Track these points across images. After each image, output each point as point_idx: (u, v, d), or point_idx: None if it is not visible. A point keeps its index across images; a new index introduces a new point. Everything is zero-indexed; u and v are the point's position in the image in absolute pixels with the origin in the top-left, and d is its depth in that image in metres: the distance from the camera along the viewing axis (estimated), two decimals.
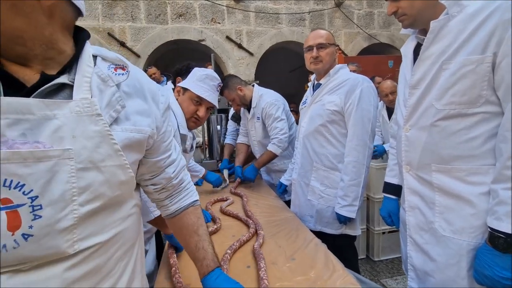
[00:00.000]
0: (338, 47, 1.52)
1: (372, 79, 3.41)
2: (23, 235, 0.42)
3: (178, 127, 1.22)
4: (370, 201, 2.41)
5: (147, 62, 4.17)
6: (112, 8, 3.98)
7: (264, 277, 0.89)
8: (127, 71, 0.54)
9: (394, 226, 1.22)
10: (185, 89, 1.31)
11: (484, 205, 0.81)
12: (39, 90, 0.45)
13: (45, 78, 0.46)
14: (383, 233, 2.39)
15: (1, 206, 0.40)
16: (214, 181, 1.91)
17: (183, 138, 1.26)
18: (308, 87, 1.70)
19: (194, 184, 1.98)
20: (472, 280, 0.83)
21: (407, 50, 1.05)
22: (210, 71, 1.35)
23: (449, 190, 0.88)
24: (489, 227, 0.78)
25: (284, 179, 1.83)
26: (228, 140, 2.57)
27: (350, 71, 3.57)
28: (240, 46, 4.48)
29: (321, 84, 1.51)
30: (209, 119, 2.59)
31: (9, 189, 0.40)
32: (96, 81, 0.50)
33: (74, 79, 0.48)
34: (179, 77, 2.03)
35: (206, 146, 2.67)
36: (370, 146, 1.41)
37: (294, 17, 4.70)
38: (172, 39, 4.21)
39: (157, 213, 1.06)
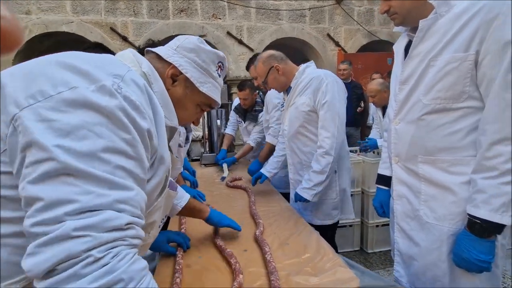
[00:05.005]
0: (276, 65, 1.58)
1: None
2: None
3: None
4: (365, 195, 2.48)
5: None
6: (114, 3, 4.01)
7: (271, 260, 0.95)
8: None
9: (385, 217, 1.28)
10: (187, 81, 0.72)
11: (465, 194, 0.87)
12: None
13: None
14: (377, 226, 2.46)
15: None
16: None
17: (172, 131, 1.02)
18: None
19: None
20: (452, 263, 0.89)
21: (398, 47, 1.10)
22: (221, 53, 0.84)
23: (434, 180, 0.93)
24: (468, 213, 0.84)
25: (265, 171, 1.80)
26: (228, 130, 2.63)
27: (343, 69, 3.82)
28: (240, 42, 4.52)
29: (291, 87, 1.60)
30: (209, 113, 2.64)
31: None
32: None
33: None
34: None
35: (206, 140, 2.73)
36: (338, 137, 1.47)
37: (294, 14, 4.72)
38: (173, 34, 4.24)
39: (182, 203, 1.10)
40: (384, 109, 2.66)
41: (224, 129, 2.68)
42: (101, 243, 0.40)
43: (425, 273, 0.96)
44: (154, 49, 0.72)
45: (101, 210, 0.41)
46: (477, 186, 0.82)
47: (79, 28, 3.94)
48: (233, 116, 2.65)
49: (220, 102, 0.80)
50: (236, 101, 2.61)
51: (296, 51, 5.13)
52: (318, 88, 1.47)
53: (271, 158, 1.86)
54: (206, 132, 2.72)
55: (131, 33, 4.11)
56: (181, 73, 0.71)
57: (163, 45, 0.74)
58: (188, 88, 0.72)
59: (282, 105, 1.75)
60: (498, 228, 0.79)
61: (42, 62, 0.48)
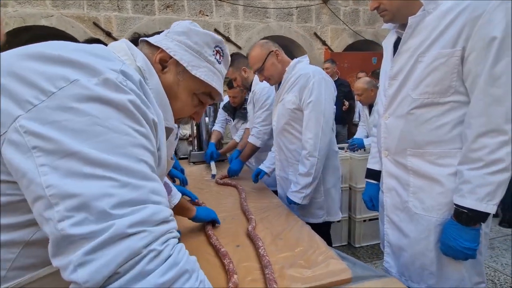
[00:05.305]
0: (276, 50, 1.53)
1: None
2: None
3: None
4: (352, 191, 2.53)
5: None
6: None
7: (265, 254, 0.95)
8: None
9: (374, 211, 1.31)
10: (179, 66, 0.66)
11: (452, 185, 0.90)
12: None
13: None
14: (364, 221, 2.52)
15: None
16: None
17: (168, 132, 1.01)
18: None
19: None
20: (439, 252, 0.92)
21: (387, 44, 1.12)
22: (218, 37, 0.77)
23: (422, 172, 0.96)
24: (454, 203, 0.87)
25: (264, 167, 1.82)
26: (216, 127, 2.61)
27: (325, 68, 3.91)
28: (228, 39, 4.49)
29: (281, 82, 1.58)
30: None
31: None
32: None
33: None
34: None
35: (194, 138, 2.69)
36: (323, 138, 1.45)
37: (282, 12, 4.74)
38: (159, 30, 4.15)
39: (175, 201, 1.11)
40: (370, 107, 2.73)
41: (212, 126, 2.66)
42: (156, 237, 0.38)
43: (414, 262, 0.99)
44: (147, 38, 0.68)
45: (143, 205, 0.39)
46: (463, 177, 0.85)
47: (60, 22, 3.79)
48: (221, 114, 2.63)
49: (221, 91, 0.72)
50: (225, 98, 2.59)
51: (284, 49, 5.15)
52: (304, 86, 1.44)
53: (269, 153, 1.85)
54: (195, 130, 2.69)
55: (115, 29, 3.99)
56: (172, 58, 0.64)
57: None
58: (180, 74, 0.65)
59: (273, 100, 1.73)
60: (483, 216, 0.82)
61: (19, 56, 0.41)
